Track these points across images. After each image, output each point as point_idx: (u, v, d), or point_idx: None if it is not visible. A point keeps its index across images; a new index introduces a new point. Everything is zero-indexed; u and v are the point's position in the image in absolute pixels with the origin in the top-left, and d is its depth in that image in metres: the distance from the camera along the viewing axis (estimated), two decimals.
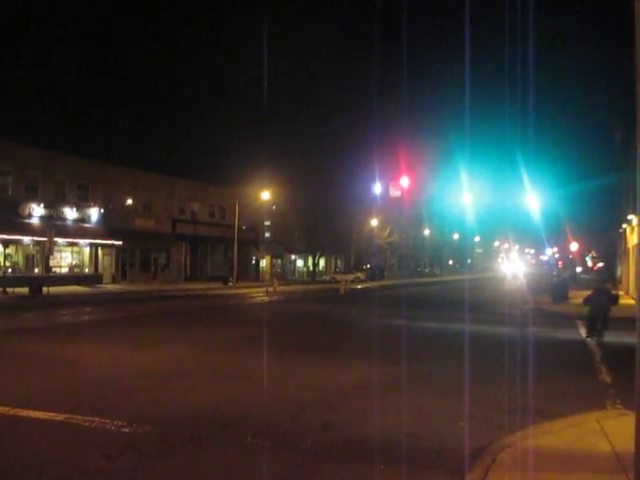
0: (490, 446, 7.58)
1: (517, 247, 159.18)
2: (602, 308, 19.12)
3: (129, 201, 54.04)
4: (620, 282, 53.14)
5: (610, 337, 18.76)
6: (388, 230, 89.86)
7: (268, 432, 8.24)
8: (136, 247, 54.56)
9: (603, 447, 7.46)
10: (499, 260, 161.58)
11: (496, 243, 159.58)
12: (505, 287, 62.88)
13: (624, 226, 47.23)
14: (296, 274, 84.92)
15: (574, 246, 73.09)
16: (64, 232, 44.15)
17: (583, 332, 20.36)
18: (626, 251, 47.47)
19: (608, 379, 12.70)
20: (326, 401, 10.44)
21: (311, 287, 60.57)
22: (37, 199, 44.54)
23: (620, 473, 6.54)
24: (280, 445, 7.82)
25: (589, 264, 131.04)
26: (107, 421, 8.57)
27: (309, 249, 79.43)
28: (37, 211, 44.06)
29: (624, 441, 6.27)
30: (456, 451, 7.58)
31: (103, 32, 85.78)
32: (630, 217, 41.60)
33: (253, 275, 70.20)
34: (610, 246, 69.97)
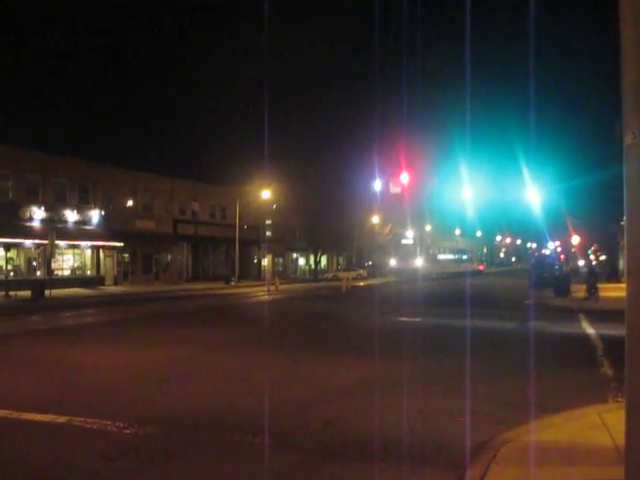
0: (491, 441, 7.56)
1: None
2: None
3: (130, 202, 54.06)
4: (622, 275, 52.98)
5: (612, 330, 18.84)
6: (389, 227, 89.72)
7: (269, 431, 8.21)
8: (137, 248, 54.57)
9: (604, 440, 7.44)
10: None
11: (498, 238, 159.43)
12: (504, 282, 62.78)
13: (625, 219, 47.05)
14: (298, 272, 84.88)
15: (575, 239, 72.95)
16: (65, 234, 44.17)
17: (585, 325, 21.82)
18: None
19: (610, 372, 12.66)
20: (327, 399, 10.43)
21: (313, 285, 60.54)
22: (37, 202, 44.53)
23: (621, 466, 6.50)
24: (281, 444, 7.81)
25: (591, 257, 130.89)
26: (108, 423, 8.56)
27: (310, 247, 79.38)
28: (38, 214, 44.07)
29: None
30: (457, 446, 7.57)
31: (100, 32, 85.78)
32: None
33: (255, 274, 70.20)
34: (611, 239, 69.82)
